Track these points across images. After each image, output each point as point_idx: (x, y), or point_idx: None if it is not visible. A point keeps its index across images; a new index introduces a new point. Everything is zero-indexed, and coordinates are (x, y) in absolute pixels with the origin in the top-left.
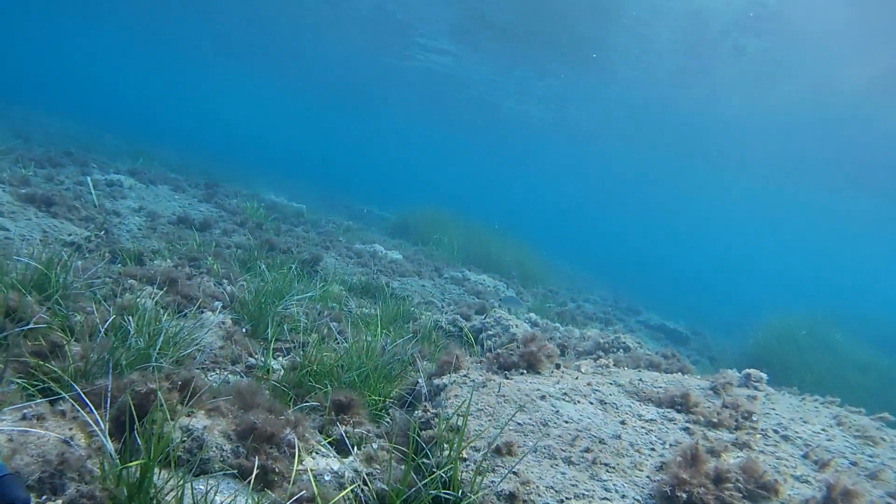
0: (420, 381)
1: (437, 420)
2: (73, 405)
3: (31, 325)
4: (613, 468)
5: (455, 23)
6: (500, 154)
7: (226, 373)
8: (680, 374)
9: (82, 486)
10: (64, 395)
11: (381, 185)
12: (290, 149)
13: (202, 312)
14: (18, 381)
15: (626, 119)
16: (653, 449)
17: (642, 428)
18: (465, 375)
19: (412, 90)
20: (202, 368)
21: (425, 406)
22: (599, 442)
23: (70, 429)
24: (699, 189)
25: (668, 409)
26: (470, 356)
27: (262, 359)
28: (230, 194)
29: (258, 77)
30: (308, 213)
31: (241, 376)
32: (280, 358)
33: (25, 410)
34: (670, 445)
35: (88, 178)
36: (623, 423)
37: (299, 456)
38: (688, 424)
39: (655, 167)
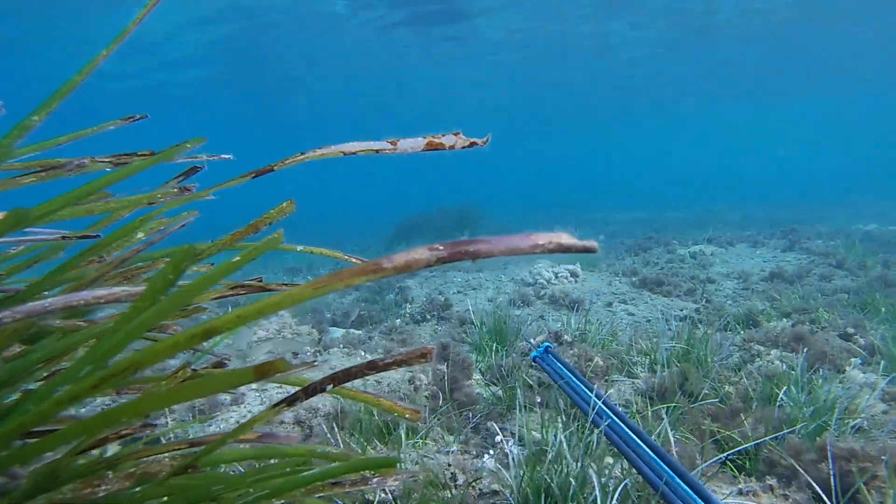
0: None
1: None
2: (777, 482)
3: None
4: None
5: None
6: None
7: None
8: None
9: None
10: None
11: None
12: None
13: (841, 372)
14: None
15: None
16: None
17: None
18: None
19: None
20: (871, 438)
21: None
22: None
23: None
24: None
25: None
26: None
27: None
28: (812, 236)
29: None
30: None
31: None
32: None
33: (741, 486)
34: None
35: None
36: None
37: None
38: None
39: None
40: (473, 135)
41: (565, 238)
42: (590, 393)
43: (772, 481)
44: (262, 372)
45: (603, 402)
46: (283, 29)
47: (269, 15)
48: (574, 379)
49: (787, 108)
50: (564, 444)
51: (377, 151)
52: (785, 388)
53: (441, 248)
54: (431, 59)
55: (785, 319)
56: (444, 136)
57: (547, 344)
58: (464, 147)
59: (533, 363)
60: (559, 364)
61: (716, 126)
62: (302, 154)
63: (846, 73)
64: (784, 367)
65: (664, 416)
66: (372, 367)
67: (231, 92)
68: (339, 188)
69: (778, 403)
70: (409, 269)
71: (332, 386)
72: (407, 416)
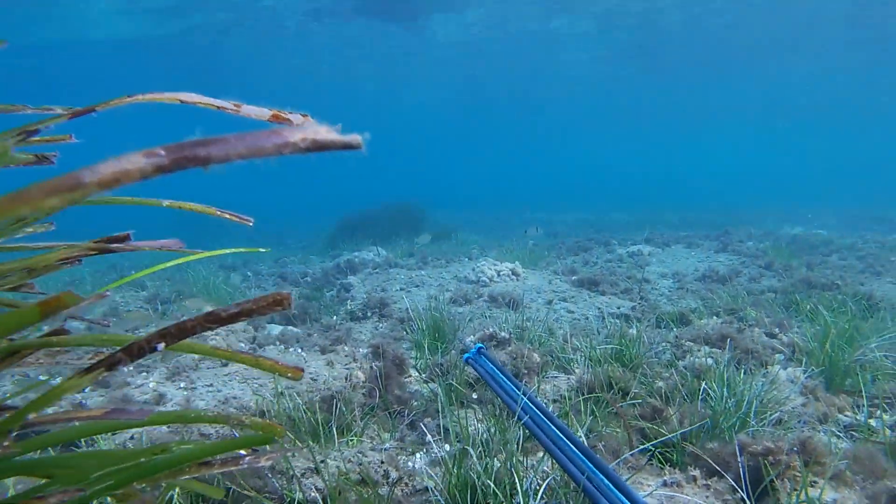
0: None
1: None
2: (700, 473)
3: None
4: None
5: None
6: None
7: (820, 434)
8: None
9: None
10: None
11: None
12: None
13: (764, 368)
14: (644, 445)
15: None
16: None
17: None
18: None
19: None
20: (788, 429)
21: None
22: None
23: (706, 496)
24: None
25: None
26: None
27: (857, 416)
28: (743, 238)
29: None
30: (837, 239)
31: (839, 437)
32: (883, 414)
33: (666, 478)
34: None
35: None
36: None
37: None
38: None
39: None
40: (427, 137)
41: (323, 133)
42: (518, 392)
43: (695, 472)
44: (48, 307)
45: (531, 401)
46: (230, 17)
47: (216, 12)
48: (505, 379)
49: (726, 118)
50: (481, 443)
51: (217, 108)
52: (705, 382)
53: (162, 152)
54: (379, 54)
55: (715, 318)
56: (291, 113)
57: (479, 345)
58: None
59: (466, 364)
60: (491, 365)
61: (659, 130)
62: (129, 96)
63: (781, 90)
64: (712, 363)
65: (593, 411)
66: (213, 319)
67: (171, 75)
68: (283, 187)
69: (701, 398)
70: (119, 183)
71: (163, 344)
72: (289, 374)
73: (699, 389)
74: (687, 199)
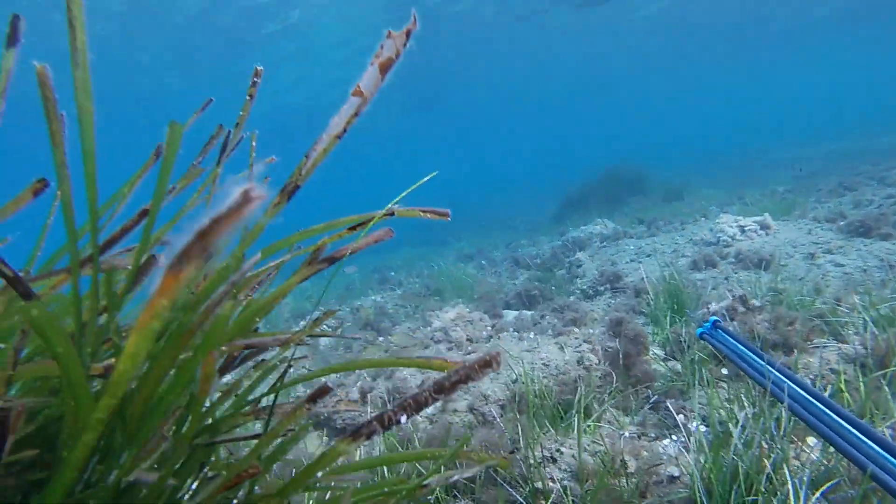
0: None
1: None
2: None
3: None
4: None
5: None
6: None
7: None
8: None
9: None
10: None
11: None
12: None
13: None
14: None
15: None
16: None
17: None
18: None
19: None
20: None
21: None
22: None
23: None
24: None
25: None
26: None
27: None
28: None
29: None
30: None
31: None
32: None
33: None
34: None
35: None
36: None
37: None
38: None
39: None
40: (629, 92)
41: None
42: (772, 369)
43: None
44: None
45: (787, 377)
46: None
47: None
48: (749, 353)
49: None
50: (736, 426)
51: None
52: None
53: None
54: (576, 25)
55: None
56: None
57: (714, 318)
58: None
59: (701, 339)
60: (731, 339)
61: None
62: None
63: None
64: None
65: (884, 386)
66: (435, 393)
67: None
68: (504, 178)
69: None
70: None
71: (405, 416)
72: (435, 367)
73: None
74: None
